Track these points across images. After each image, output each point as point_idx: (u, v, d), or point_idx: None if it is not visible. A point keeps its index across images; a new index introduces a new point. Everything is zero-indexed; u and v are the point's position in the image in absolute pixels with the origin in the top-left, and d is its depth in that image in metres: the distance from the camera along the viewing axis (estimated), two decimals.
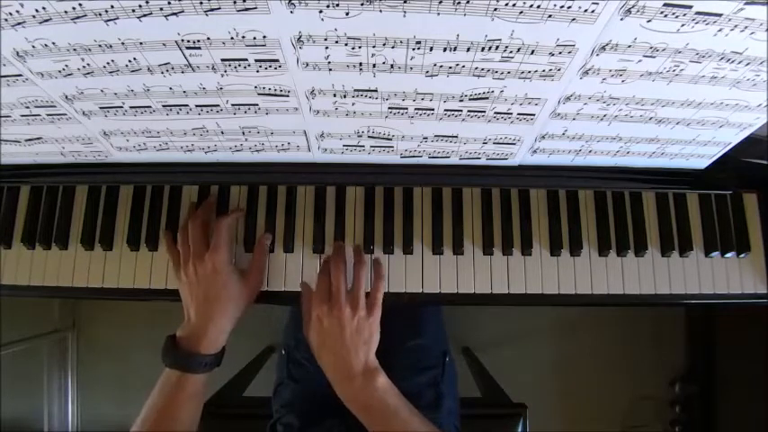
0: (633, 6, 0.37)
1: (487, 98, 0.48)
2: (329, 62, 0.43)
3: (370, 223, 0.65)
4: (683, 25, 0.38)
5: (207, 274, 0.58)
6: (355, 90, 0.47)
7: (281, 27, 0.39)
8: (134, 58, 0.43)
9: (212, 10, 0.37)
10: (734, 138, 0.56)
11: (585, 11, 0.37)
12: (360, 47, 0.41)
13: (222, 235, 0.60)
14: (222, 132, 0.54)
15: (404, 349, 0.83)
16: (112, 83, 0.46)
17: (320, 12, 0.38)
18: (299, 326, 0.85)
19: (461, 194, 0.66)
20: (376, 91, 0.47)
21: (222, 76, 0.45)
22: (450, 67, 0.44)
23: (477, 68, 0.44)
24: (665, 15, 0.38)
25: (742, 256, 0.65)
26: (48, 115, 0.51)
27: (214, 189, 0.67)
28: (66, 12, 0.37)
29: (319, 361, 0.60)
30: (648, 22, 0.38)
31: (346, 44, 0.41)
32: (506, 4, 0.37)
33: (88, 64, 0.43)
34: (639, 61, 0.43)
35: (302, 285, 0.63)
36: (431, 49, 0.41)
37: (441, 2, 0.37)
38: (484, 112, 0.50)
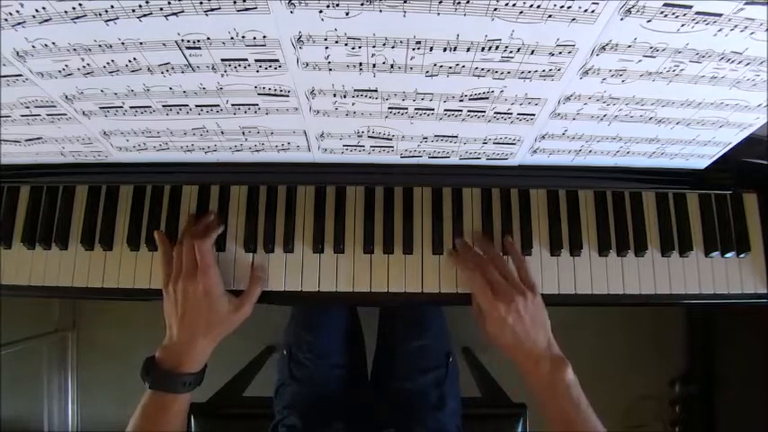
0: (633, 6, 0.37)
1: (487, 98, 0.48)
2: (329, 62, 0.43)
3: (370, 223, 0.65)
4: (683, 25, 0.38)
5: (197, 296, 0.58)
6: (355, 90, 0.47)
7: (281, 27, 0.39)
8: (134, 58, 0.43)
9: (212, 10, 0.37)
10: (734, 138, 0.56)
11: (585, 11, 0.37)
12: (360, 47, 0.41)
13: (208, 255, 0.59)
14: (222, 132, 0.54)
15: (408, 350, 0.83)
16: (112, 83, 0.46)
17: (320, 12, 0.38)
18: (300, 325, 0.85)
19: (461, 194, 0.66)
20: (376, 91, 0.47)
21: (222, 76, 0.45)
22: (451, 67, 0.44)
23: (477, 68, 0.44)
24: (665, 15, 0.38)
25: (742, 256, 0.65)
26: (48, 115, 0.51)
27: (214, 189, 0.67)
28: (66, 12, 0.37)
29: (509, 356, 0.59)
30: (648, 22, 0.38)
31: (346, 44, 0.41)
32: (506, 4, 0.37)
33: (88, 64, 0.43)
34: (639, 61, 0.43)
35: (472, 288, 0.61)
36: (431, 49, 0.41)
37: (441, 2, 0.37)
38: (484, 112, 0.50)
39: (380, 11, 0.37)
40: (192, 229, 0.63)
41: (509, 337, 0.57)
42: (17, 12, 0.37)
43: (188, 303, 0.58)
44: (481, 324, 0.60)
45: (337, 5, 0.37)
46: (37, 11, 0.37)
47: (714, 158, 0.60)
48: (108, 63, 0.43)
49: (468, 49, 0.41)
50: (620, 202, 0.66)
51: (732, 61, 0.42)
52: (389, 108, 0.50)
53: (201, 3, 0.37)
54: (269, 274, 0.64)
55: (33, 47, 0.41)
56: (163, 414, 0.55)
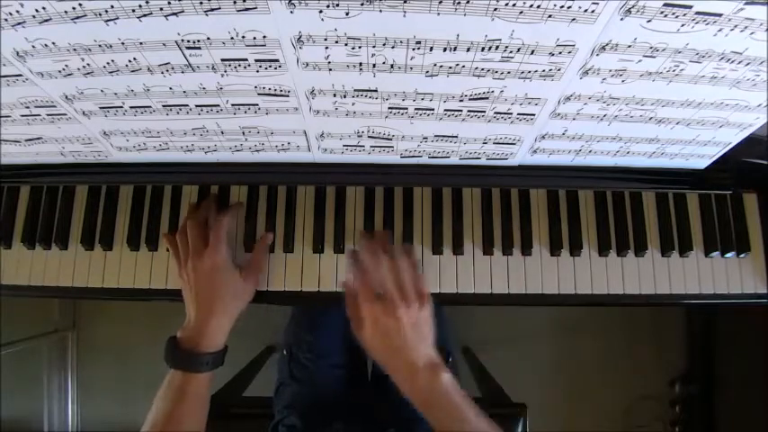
0: (633, 6, 0.37)
1: (487, 98, 0.48)
2: (329, 62, 0.43)
3: (370, 223, 0.65)
4: (683, 25, 0.38)
5: (206, 273, 0.58)
6: (355, 90, 0.47)
7: (281, 27, 0.39)
8: (134, 58, 0.43)
9: (212, 10, 0.37)
10: (734, 138, 0.56)
11: (585, 11, 0.37)
12: (360, 47, 0.41)
13: (220, 233, 0.60)
14: (222, 132, 0.54)
15: None
16: (112, 83, 0.46)
17: (320, 12, 0.38)
18: (300, 325, 0.85)
19: (461, 194, 0.66)
20: (376, 91, 0.47)
21: (222, 76, 0.45)
22: (451, 67, 0.44)
23: (477, 68, 0.44)
24: (665, 15, 0.38)
25: (742, 256, 0.65)
26: (48, 115, 0.51)
27: (214, 189, 0.67)
28: (66, 12, 0.37)
29: (381, 363, 0.57)
30: (648, 22, 0.38)
31: (346, 44, 0.41)
32: (506, 4, 0.37)
33: (88, 64, 0.43)
34: (639, 61, 0.43)
35: (344, 285, 0.60)
36: (431, 49, 0.41)
37: (441, 2, 0.37)
38: (484, 112, 0.50)
39: (380, 11, 0.37)
40: (198, 210, 0.63)
41: (384, 343, 0.55)
42: (17, 12, 0.37)
43: (198, 280, 0.58)
44: (355, 325, 0.58)
45: (337, 5, 0.37)
46: (37, 11, 0.37)
47: (714, 158, 0.60)
48: (108, 63, 0.43)
49: (468, 49, 0.41)
50: (620, 202, 0.66)
51: (732, 61, 0.42)
52: (389, 108, 0.50)
53: (201, 3, 0.37)
54: (269, 274, 0.64)
55: (33, 47, 0.41)
56: (183, 394, 0.56)
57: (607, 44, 0.41)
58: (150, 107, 0.50)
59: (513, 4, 0.37)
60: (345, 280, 0.61)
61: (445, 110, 0.50)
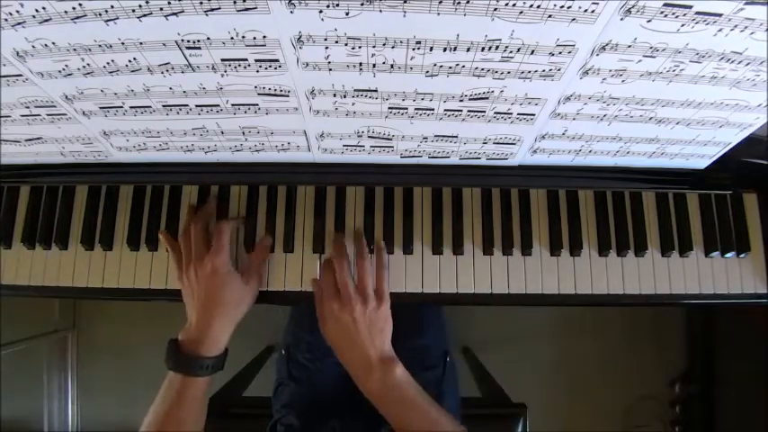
0: (633, 6, 0.37)
1: (487, 98, 0.48)
2: (329, 62, 0.43)
3: (370, 223, 0.65)
4: (683, 25, 0.39)
5: (207, 277, 0.58)
6: (355, 90, 0.47)
7: (281, 27, 0.39)
8: (134, 58, 0.43)
9: (212, 10, 0.37)
10: (734, 138, 0.56)
11: (585, 11, 0.37)
12: (360, 47, 0.41)
13: (223, 237, 0.60)
14: (222, 132, 0.54)
15: (404, 349, 0.83)
16: (112, 83, 0.46)
17: (320, 12, 0.38)
18: (300, 325, 0.85)
19: (461, 194, 0.66)
20: (376, 91, 0.47)
21: (222, 76, 0.45)
22: (451, 67, 0.44)
23: (477, 68, 0.44)
24: (665, 15, 0.38)
25: (742, 256, 0.65)
26: (48, 115, 0.51)
27: (214, 189, 0.67)
28: (66, 12, 0.37)
29: (340, 358, 0.60)
30: (648, 22, 0.38)
31: (346, 44, 0.41)
32: (506, 4, 0.37)
33: (88, 64, 0.43)
34: (639, 61, 0.43)
35: (313, 283, 0.63)
36: (431, 49, 0.41)
37: (441, 2, 0.37)
38: (484, 112, 0.50)
39: (380, 11, 0.37)
40: (200, 213, 0.63)
41: (342, 339, 0.59)
42: (17, 12, 0.37)
43: (200, 284, 0.59)
44: (320, 321, 0.61)
45: (337, 5, 0.37)
46: (37, 11, 0.37)
47: (714, 158, 0.60)
48: (108, 63, 0.43)
49: (468, 49, 0.41)
50: (620, 202, 0.66)
51: (732, 61, 0.42)
52: (389, 108, 0.50)
53: (201, 3, 0.37)
54: (269, 274, 0.64)
55: (33, 47, 0.41)
56: (181, 397, 0.56)
57: (607, 44, 0.41)
58: (150, 107, 0.50)
59: (513, 4, 0.37)
60: (314, 278, 0.64)
61: (445, 110, 0.50)
